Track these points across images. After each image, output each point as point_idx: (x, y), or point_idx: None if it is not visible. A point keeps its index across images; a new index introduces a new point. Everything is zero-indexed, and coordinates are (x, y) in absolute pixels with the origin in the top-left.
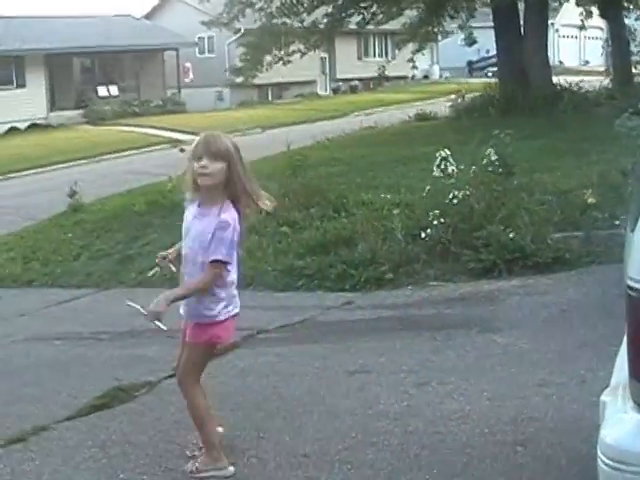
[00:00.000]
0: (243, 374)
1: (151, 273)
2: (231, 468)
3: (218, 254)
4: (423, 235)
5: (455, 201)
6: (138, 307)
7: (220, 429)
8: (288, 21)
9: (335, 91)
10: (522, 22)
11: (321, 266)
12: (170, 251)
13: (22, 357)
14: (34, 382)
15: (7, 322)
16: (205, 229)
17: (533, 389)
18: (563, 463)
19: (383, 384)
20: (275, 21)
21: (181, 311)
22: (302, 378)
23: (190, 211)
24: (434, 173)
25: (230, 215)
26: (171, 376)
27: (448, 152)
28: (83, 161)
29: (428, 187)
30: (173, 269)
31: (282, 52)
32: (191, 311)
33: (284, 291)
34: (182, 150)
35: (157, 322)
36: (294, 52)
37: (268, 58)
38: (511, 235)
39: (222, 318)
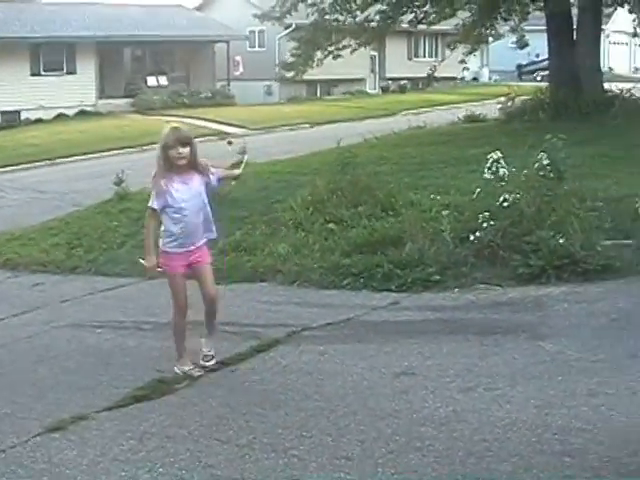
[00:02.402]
0: (286, 372)
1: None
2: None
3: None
4: (472, 238)
5: (505, 204)
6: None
7: None
8: (340, 18)
9: (384, 90)
10: (575, 27)
11: (368, 265)
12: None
13: (63, 344)
14: (75, 370)
15: (50, 308)
16: (193, 189)
17: (582, 399)
18: (611, 477)
19: (429, 387)
20: (327, 17)
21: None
22: (346, 378)
23: (173, 185)
24: (485, 175)
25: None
26: (213, 370)
27: (500, 155)
28: (130, 149)
29: (478, 189)
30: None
31: (333, 47)
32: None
33: (329, 289)
34: (230, 143)
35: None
36: (345, 47)
37: (319, 54)
38: (561, 241)
39: None
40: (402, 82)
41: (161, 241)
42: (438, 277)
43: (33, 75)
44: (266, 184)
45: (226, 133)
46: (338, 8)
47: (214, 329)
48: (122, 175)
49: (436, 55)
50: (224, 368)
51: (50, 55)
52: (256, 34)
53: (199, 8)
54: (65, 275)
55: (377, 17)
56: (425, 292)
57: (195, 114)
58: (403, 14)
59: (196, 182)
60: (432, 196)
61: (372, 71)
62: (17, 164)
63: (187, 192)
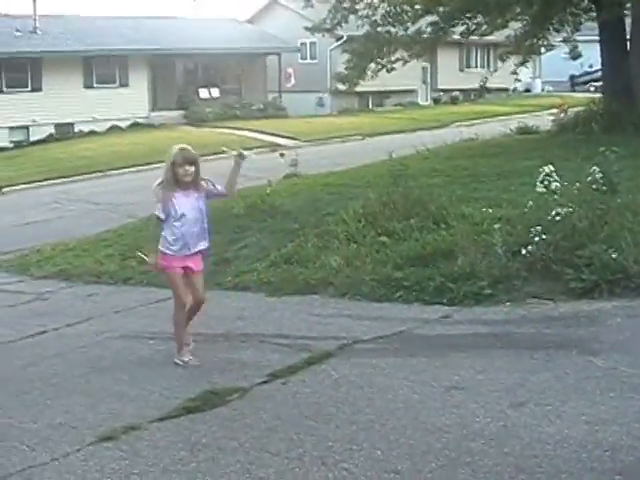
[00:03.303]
0: (337, 384)
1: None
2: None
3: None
4: (524, 251)
5: (558, 218)
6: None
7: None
8: (392, 29)
9: (436, 101)
10: (628, 37)
11: (419, 278)
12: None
13: (116, 354)
14: (127, 380)
15: (103, 319)
16: (193, 202)
17: (634, 416)
18: None
19: (479, 402)
20: (379, 29)
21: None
22: (397, 391)
23: (177, 198)
24: (537, 189)
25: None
26: (264, 382)
27: (552, 168)
28: None
29: (530, 202)
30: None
31: (385, 60)
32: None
33: (381, 302)
34: (282, 155)
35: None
36: (398, 60)
37: (372, 66)
38: (614, 255)
39: None
40: (454, 93)
41: (161, 244)
42: (490, 291)
43: (86, 88)
44: (318, 196)
45: (278, 145)
46: (390, 20)
47: (190, 325)
48: None
49: (488, 66)
50: (275, 380)
51: (103, 68)
52: (308, 46)
53: (251, 20)
54: (118, 286)
55: (428, 29)
56: (476, 306)
57: (247, 126)
58: (454, 26)
59: (196, 199)
60: (484, 209)
61: (424, 82)
62: (71, 176)
63: (187, 205)
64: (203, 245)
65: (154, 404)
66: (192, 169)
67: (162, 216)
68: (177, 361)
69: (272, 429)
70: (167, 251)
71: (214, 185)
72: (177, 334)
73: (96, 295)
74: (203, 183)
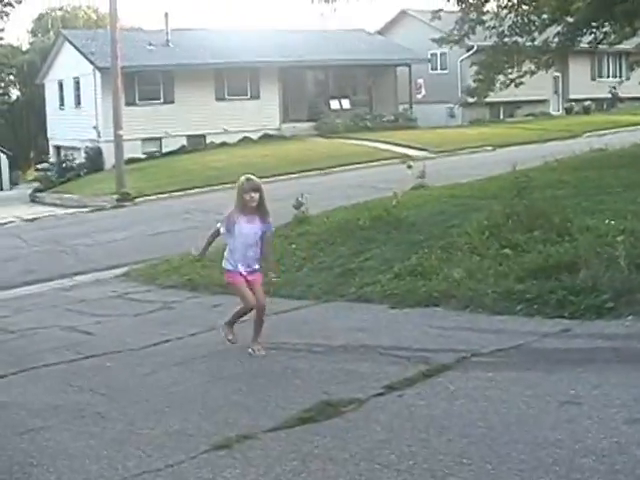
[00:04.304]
0: (452, 397)
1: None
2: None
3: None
4: None
5: None
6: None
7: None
8: (520, 40)
9: (567, 111)
10: None
11: (541, 291)
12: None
13: (236, 365)
14: (245, 390)
15: None
16: (253, 229)
17: None
18: None
19: (593, 417)
20: (506, 40)
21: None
22: (511, 405)
23: (240, 221)
24: None
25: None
26: (380, 394)
27: None
28: (312, 173)
29: None
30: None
31: (514, 73)
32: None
33: (502, 314)
34: (410, 167)
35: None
36: (526, 73)
37: (500, 78)
38: None
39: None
40: (586, 103)
41: (224, 262)
42: (612, 304)
43: (218, 100)
44: (444, 208)
45: (408, 156)
46: (517, 30)
47: (259, 331)
48: (301, 198)
49: (620, 75)
50: (391, 392)
51: (234, 80)
52: (438, 56)
53: (380, 32)
54: None
55: (556, 39)
56: (598, 320)
57: (377, 137)
58: (582, 35)
59: (257, 223)
60: (607, 221)
61: (555, 92)
62: (202, 187)
63: (249, 229)
64: (256, 266)
65: (269, 414)
66: (257, 195)
67: (222, 230)
68: (221, 331)
69: (384, 441)
70: (228, 267)
71: (269, 221)
72: (234, 316)
73: (222, 306)
74: (269, 219)
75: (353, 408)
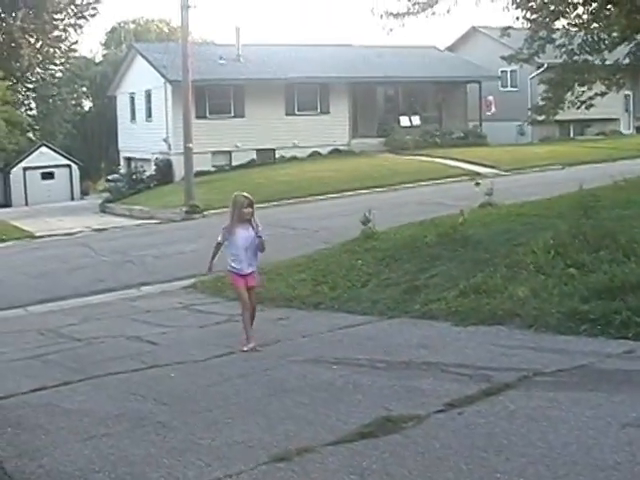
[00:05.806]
0: (512, 416)
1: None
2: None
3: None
4: None
5: None
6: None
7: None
8: (590, 58)
9: (638, 130)
10: None
11: (606, 311)
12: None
13: (298, 378)
14: (306, 404)
15: (290, 342)
16: (249, 235)
17: None
18: None
19: None
20: (576, 58)
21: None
22: (571, 426)
23: (238, 230)
24: None
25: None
26: (441, 411)
27: None
28: (381, 189)
29: None
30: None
31: (583, 94)
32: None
33: (566, 334)
34: (477, 184)
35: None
36: (596, 94)
37: (569, 96)
38: None
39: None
40: None
41: (228, 265)
42: None
43: (288, 115)
44: (510, 226)
45: (477, 174)
46: (587, 49)
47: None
48: (369, 214)
49: None
50: (452, 410)
51: (304, 95)
52: (508, 74)
53: (451, 48)
54: (309, 310)
55: (627, 60)
56: None
57: (447, 154)
58: None
59: (251, 231)
60: None
61: (626, 110)
62: (271, 200)
63: (245, 236)
64: (253, 267)
65: (330, 428)
66: (250, 210)
67: (220, 241)
68: (244, 348)
69: (442, 458)
70: (230, 269)
71: (259, 230)
72: (245, 327)
73: (287, 319)
74: (257, 225)
75: (413, 424)
